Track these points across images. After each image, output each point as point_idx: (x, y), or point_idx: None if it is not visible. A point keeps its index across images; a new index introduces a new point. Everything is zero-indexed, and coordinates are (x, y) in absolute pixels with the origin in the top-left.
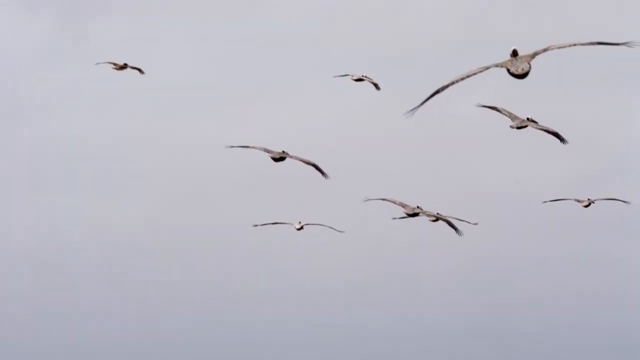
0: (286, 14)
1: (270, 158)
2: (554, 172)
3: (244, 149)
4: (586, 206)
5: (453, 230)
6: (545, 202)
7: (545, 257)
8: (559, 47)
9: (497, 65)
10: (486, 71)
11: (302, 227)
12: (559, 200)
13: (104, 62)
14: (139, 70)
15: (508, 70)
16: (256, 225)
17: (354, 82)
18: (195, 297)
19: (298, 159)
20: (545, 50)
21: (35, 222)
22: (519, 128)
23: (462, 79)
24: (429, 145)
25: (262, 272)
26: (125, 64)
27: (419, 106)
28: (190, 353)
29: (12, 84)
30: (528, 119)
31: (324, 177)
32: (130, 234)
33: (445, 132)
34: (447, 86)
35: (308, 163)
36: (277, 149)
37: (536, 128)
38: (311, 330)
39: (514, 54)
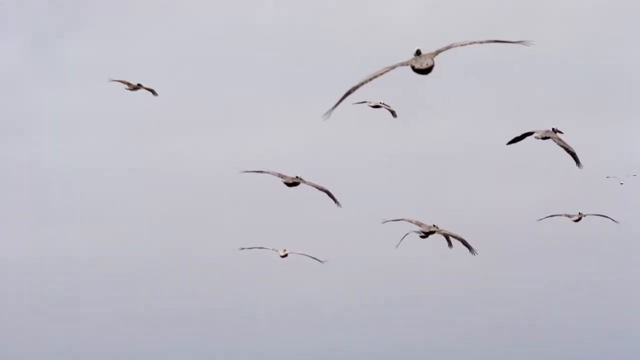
0: (272, 30)
1: (283, 183)
2: (538, 194)
3: (258, 173)
4: (576, 220)
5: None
6: (540, 219)
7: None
8: (461, 45)
9: (402, 64)
10: (392, 70)
11: (286, 255)
12: (552, 216)
13: (117, 81)
14: (152, 91)
15: (413, 67)
16: (243, 249)
17: (370, 108)
18: (184, 319)
19: (311, 185)
20: (448, 47)
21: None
22: (543, 139)
23: (370, 79)
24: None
25: (251, 295)
26: (139, 84)
27: (333, 108)
28: None
29: None
30: (553, 129)
31: (337, 205)
32: (107, 259)
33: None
34: (357, 87)
35: (321, 189)
36: (291, 174)
37: (557, 144)
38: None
39: (418, 53)
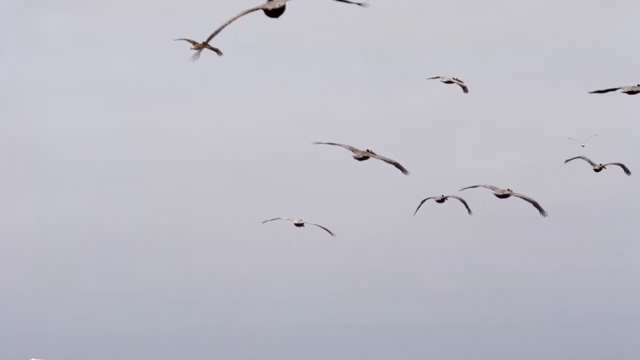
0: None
1: (353, 157)
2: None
3: (330, 145)
4: (597, 170)
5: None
6: (568, 160)
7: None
8: None
9: (257, 8)
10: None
11: (301, 224)
12: (577, 158)
13: (183, 39)
14: (217, 51)
15: (265, 10)
16: (265, 222)
17: (443, 84)
18: (192, 294)
19: (381, 158)
20: None
21: None
22: (630, 93)
23: (230, 21)
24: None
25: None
26: (205, 43)
27: (198, 52)
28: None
29: None
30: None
31: (405, 174)
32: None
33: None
34: (218, 31)
35: (390, 162)
36: (362, 148)
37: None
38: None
39: None
